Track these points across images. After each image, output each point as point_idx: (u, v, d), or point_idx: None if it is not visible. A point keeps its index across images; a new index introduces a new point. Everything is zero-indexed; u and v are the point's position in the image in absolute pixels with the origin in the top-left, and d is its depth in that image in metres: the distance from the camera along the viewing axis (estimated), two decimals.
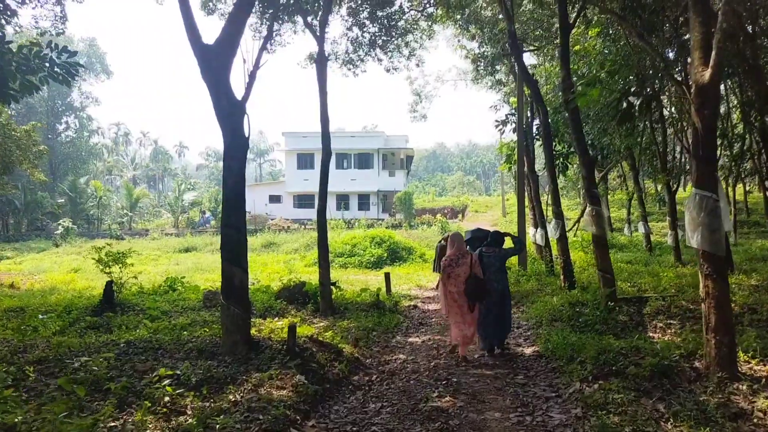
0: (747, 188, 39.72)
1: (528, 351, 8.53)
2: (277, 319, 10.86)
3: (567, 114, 10.74)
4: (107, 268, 12.77)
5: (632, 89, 7.21)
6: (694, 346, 6.50)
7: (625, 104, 6.87)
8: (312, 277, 21.76)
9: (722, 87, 27.21)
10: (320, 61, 12.47)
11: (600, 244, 10.25)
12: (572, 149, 22.35)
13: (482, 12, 24.95)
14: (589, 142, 24.73)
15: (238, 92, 7.79)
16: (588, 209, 10.27)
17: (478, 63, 26.51)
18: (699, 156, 5.57)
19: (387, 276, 13.61)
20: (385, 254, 26.17)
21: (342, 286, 17.93)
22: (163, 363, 6.90)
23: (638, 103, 6.64)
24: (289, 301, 11.89)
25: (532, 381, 6.61)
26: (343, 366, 7.34)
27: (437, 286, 8.65)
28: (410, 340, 9.86)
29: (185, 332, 8.62)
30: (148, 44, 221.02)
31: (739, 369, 5.47)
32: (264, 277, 20.16)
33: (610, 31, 19.40)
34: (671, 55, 20.39)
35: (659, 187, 39.47)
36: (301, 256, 29.47)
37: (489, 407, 5.69)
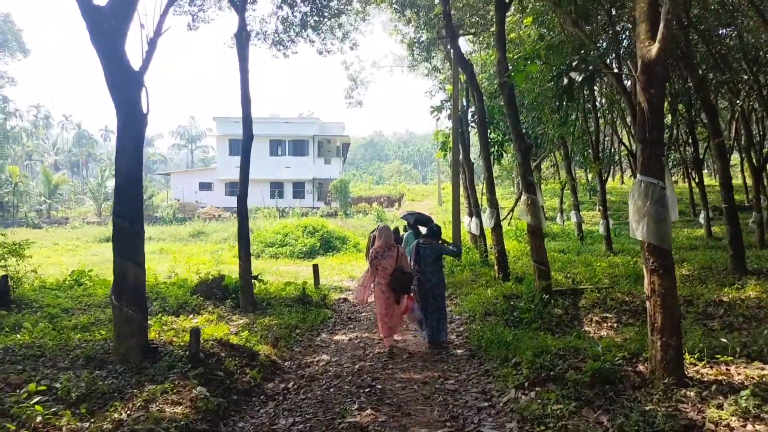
0: (672, 179, 40.92)
1: (460, 350, 7.96)
2: (192, 316, 9.93)
3: (503, 98, 10.23)
4: (2, 261, 11.43)
5: (574, 63, 6.64)
6: (636, 347, 6.05)
7: (566, 80, 6.30)
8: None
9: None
10: (241, 36, 11.49)
11: (535, 234, 9.81)
12: (507, 137, 22.12)
13: None
14: (524, 131, 24.67)
15: (136, 62, 6.82)
16: (523, 198, 9.81)
17: (414, 48, 25.89)
18: (645, 139, 5.06)
19: (315, 268, 12.83)
20: (318, 244, 25.32)
21: (269, 278, 17.03)
22: (43, 373, 5.92)
23: (580, 78, 6.07)
24: (207, 296, 10.94)
25: (463, 387, 6.00)
26: (256, 372, 6.54)
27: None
28: (336, 338, 9.13)
29: (77, 335, 7.58)
30: (69, 23, 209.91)
31: (686, 373, 5.01)
32: (188, 269, 18.98)
33: (545, 19, 19.24)
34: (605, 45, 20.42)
35: (590, 177, 40.35)
36: (230, 245, 28.18)
37: (415, 421, 5.03)
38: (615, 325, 8.67)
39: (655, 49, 5.02)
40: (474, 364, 6.94)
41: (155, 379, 5.71)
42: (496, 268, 13.57)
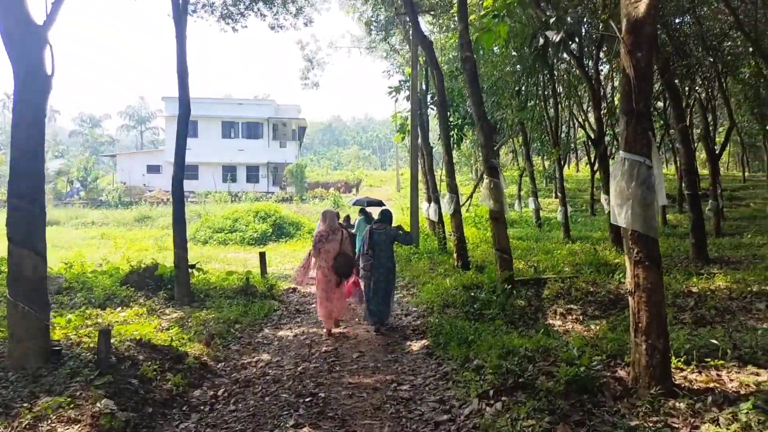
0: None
1: (416, 346, 7.22)
2: (119, 309, 8.93)
3: (464, 75, 9.49)
4: None
5: (551, 21, 5.90)
6: (614, 348, 5.41)
7: (542, 40, 5.56)
8: (188, 255, 19.66)
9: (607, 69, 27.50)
10: None
11: (498, 221, 9.13)
12: (467, 120, 21.52)
13: None
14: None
15: (42, 17, 5.78)
16: (485, 181, 9.11)
17: (372, 27, 24.94)
18: (630, 110, 4.36)
19: (262, 255, 11.92)
20: (270, 230, 24.30)
21: (215, 266, 16.04)
22: None
23: (558, 38, 5.34)
24: (139, 287, 9.92)
25: (418, 394, 5.24)
26: (180, 378, 5.65)
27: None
28: (280, 333, 8.29)
29: None
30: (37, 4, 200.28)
31: (674, 379, 4.37)
32: (123, 257, 17.79)
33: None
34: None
35: (547, 164, 40.27)
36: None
37: None
38: (581, 317, 8.08)
39: (643, 5, 4.32)
40: (431, 365, 6.20)
41: (53, 390, 4.79)
42: (455, 256, 12.92)
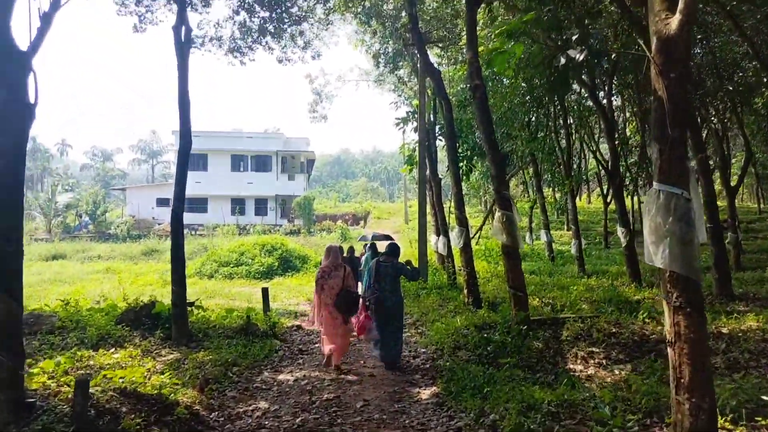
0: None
1: (426, 394, 6.67)
2: (113, 350, 8.44)
3: (474, 104, 9.11)
4: None
5: (574, 38, 5.49)
6: (649, 404, 4.85)
7: (563, 60, 5.13)
8: (192, 290, 19.17)
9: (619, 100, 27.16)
10: (179, 29, 10.16)
11: (511, 256, 8.62)
12: (476, 151, 21.15)
13: (383, 5, 23.36)
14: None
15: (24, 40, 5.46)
16: (497, 214, 8.64)
17: (380, 60, 24.85)
18: (664, 137, 3.91)
19: (264, 291, 11.43)
20: (277, 263, 23.83)
21: (219, 301, 15.56)
22: None
23: (581, 57, 4.92)
24: (135, 326, 9.44)
25: None
26: None
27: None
28: (281, 377, 7.75)
29: None
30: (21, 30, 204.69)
31: None
32: (134, 290, 17.35)
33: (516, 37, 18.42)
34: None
35: (558, 196, 39.75)
36: None
37: None
38: (604, 361, 7.51)
39: (675, 21, 3.90)
40: (442, 419, 5.64)
41: None
42: (465, 291, 12.39)
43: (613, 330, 8.47)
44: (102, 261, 30.39)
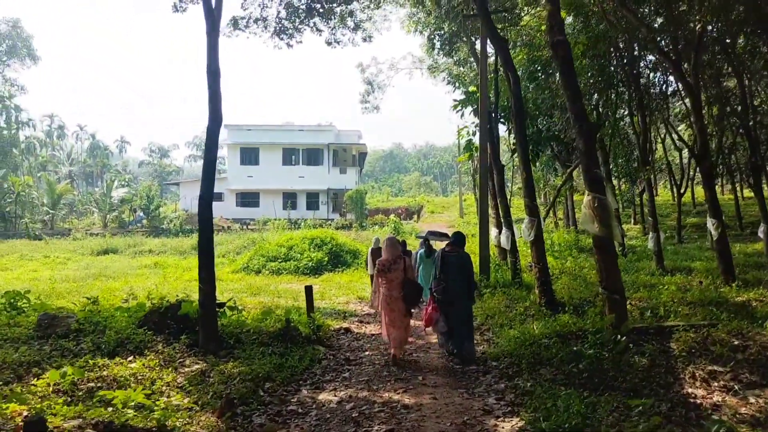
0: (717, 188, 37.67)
1: (506, 428, 5.13)
2: (131, 359, 7.27)
3: (556, 63, 7.51)
4: None
5: None
6: None
7: None
8: (237, 286, 18.14)
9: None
10: None
11: (605, 250, 6.96)
12: (543, 135, 19.41)
13: None
14: (555, 133, 21.89)
15: None
16: (587, 198, 6.97)
17: (434, 41, 23.25)
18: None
19: (308, 290, 10.10)
20: (326, 258, 22.61)
21: (263, 299, 14.38)
22: None
23: None
24: (159, 329, 8.25)
25: None
26: None
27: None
28: (322, 397, 6.36)
29: None
30: (82, 30, 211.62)
31: None
32: (178, 286, 16.43)
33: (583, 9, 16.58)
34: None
35: (624, 187, 37.14)
36: (229, 260, 25.66)
37: None
38: (732, 384, 5.82)
39: None
40: None
41: None
42: (537, 291, 10.75)
43: (736, 342, 6.72)
44: (152, 256, 29.96)
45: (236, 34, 18.71)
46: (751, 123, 22.14)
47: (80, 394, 6.01)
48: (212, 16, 8.73)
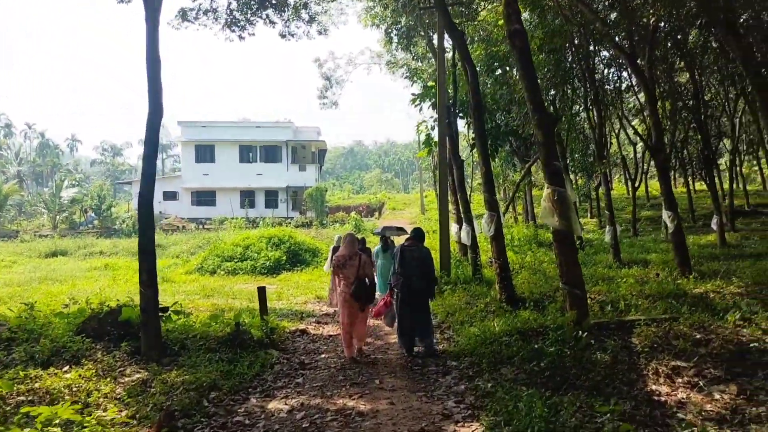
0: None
1: None
2: (67, 369, 6.75)
3: (514, 54, 7.27)
4: None
5: None
6: None
7: None
8: (189, 287, 17.52)
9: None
10: None
11: (565, 244, 6.75)
12: (501, 130, 19.34)
13: None
14: (513, 128, 21.91)
15: None
16: (547, 191, 6.75)
17: (392, 35, 22.92)
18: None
19: (261, 291, 9.64)
20: (285, 257, 22.09)
21: (218, 301, 13.86)
22: None
23: None
24: (98, 336, 7.72)
25: None
26: None
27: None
28: (272, 406, 5.96)
29: None
30: (31, 29, 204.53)
31: None
32: (124, 290, 15.74)
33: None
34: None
35: (580, 182, 37.60)
36: (183, 261, 24.89)
37: None
38: (696, 380, 5.67)
39: None
40: None
41: None
42: (497, 287, 10.55)
43: (698, 336, 6.61)
44: (103, 257, 28.89)
45: (185, 26, 18.06)
46: (702, 117, 22.59)
47: (8, 409, 5.51)
48: (154, 15, 8.20)
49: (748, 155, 41.88)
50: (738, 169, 32.40)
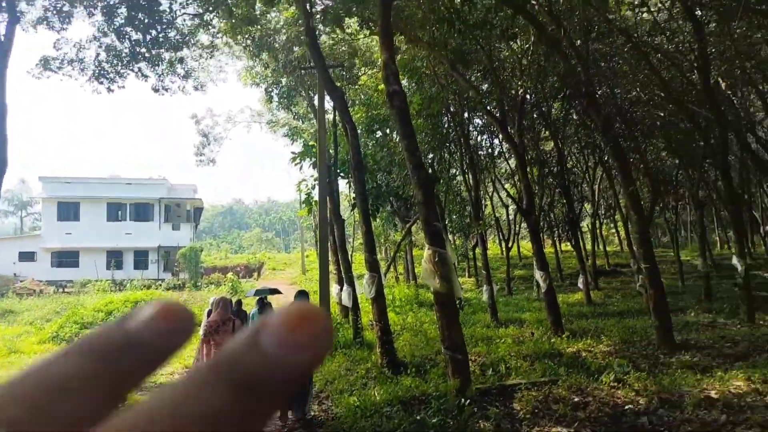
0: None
1: None
2: None
3: (392, 114, 7.21)
4: None
5: None
6: None
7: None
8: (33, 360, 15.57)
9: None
10: None
11: (447, 307, 6.55)
12: (382, 190, 19.48)
13: (274, 37, 21.48)
14: (394, 189, 22.29)
15: None
16: (427, 252, 6.58)
17: (272, 94, 22.76)
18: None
19: None
20: None
21: None
22: None
23: None
24: None
25: None
26: None
27: None
28: None
29: None
30: None
31: None
32: None
33: (418, 70, 17.11)
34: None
35: (458, 242, 38.86)
36: (37, 328, 22.39)
37: None
38: None
39: None
40: None
41: None
42: (378, 351, 10.20)
43: (576, 399, 6.59)
44: None
45: (47, 76, 16.83)
46: (566, 183, 24.18)
47: None
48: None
49: (606, 218, 45.56)
50: (598, 231, 34.82)
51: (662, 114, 19.32)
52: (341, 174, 16.79)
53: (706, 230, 27.73)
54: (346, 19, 16.77)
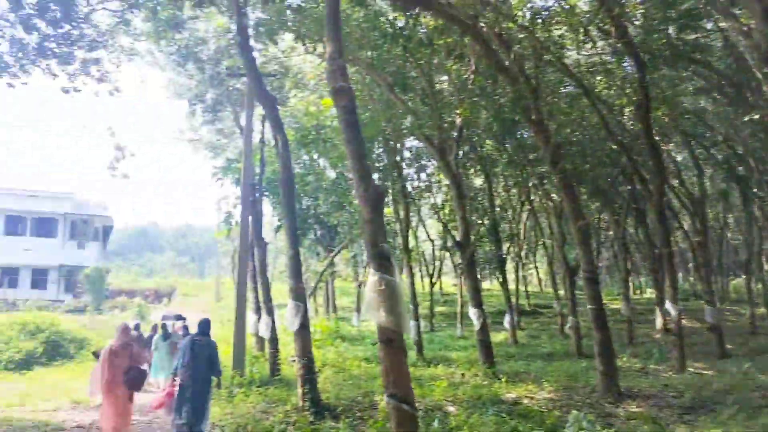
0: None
1: None
2: None
3: (338, 116, 6.19)
4: None
5: None
6: None
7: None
8: None
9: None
10: None
11: (392, 346, 5.41)
12: (310, 213, 18.38)
13: (200, 48, 20.16)
14: (321, 218, 21.33)
15: None
16: (372, 280, 5.47)
17: (196, 105, 21.30)
18: None
19: None
20: (41, 349, 18.16)
21: None
22: None
23: None
24: None
25: None
26: None
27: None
28: None
29: None
30: None
31: None
32: None
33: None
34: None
35: None
36: None
37: None
38: None
39: None
40: None
41: None
42: (300, 391, 8.95)
43: None
44: None
45: None
46: (494, 219, 23.89)
47: None
48: None
49: (527, 258, 46.13)
50: (521, 270, 34.96)
51: (596, 153, 19.37)
52: (267, 194, 15.52)
53: (629, 273, 28.28)
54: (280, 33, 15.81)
